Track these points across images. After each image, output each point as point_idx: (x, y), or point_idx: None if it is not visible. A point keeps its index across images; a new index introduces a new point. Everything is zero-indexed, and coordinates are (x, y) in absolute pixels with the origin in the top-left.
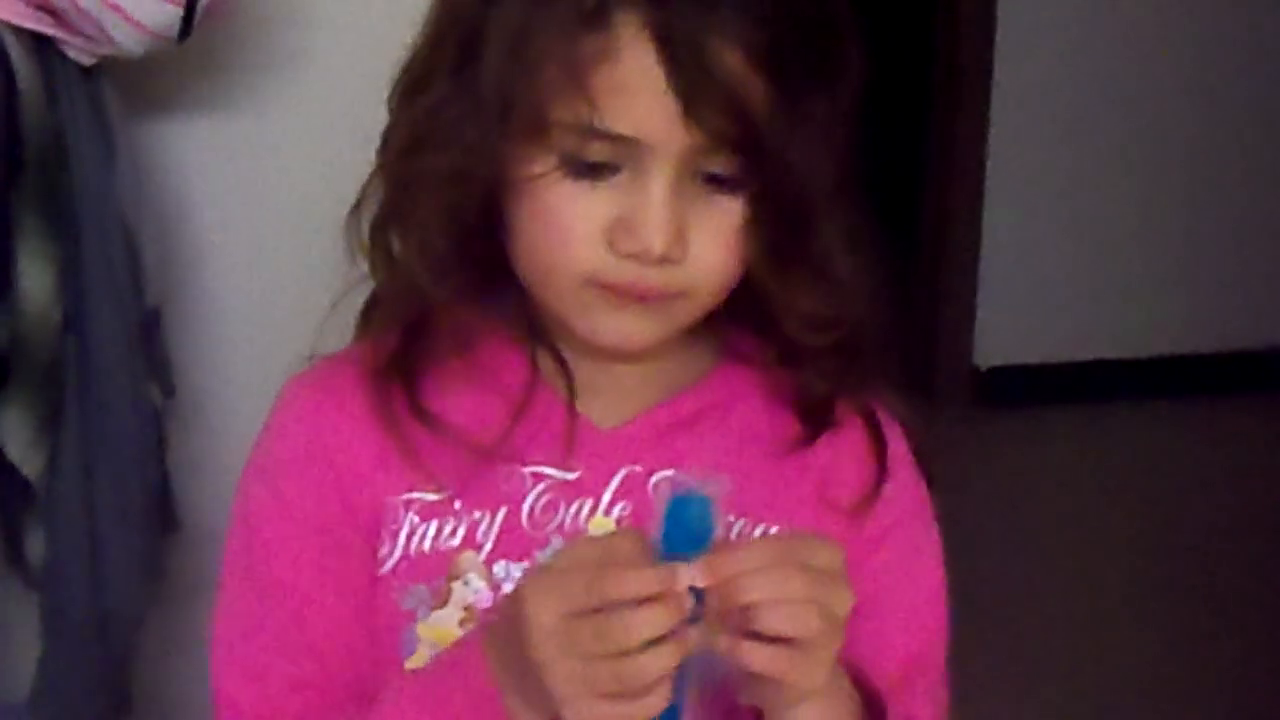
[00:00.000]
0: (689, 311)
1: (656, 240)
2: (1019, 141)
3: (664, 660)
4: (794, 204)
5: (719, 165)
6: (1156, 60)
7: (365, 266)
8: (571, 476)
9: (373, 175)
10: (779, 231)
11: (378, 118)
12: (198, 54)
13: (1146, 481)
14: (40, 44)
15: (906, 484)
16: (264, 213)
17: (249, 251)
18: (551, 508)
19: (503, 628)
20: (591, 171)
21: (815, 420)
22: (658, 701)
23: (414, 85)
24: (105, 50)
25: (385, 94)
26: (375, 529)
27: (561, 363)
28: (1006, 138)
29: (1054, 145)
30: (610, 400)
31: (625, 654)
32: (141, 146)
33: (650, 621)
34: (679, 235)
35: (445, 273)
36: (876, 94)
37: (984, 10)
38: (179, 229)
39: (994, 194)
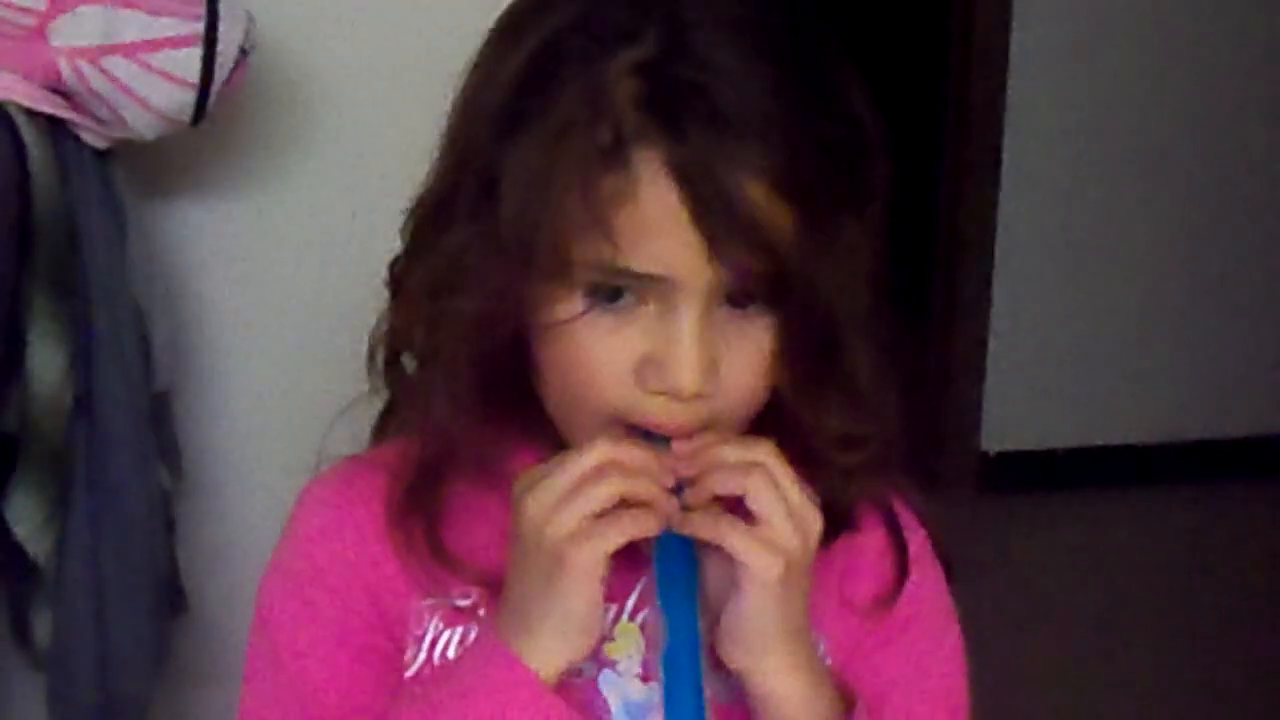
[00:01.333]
0: (723, 428)
1: (687, 379)
2: (1027, 227)
3: (629, 485)
4: (823, 327)
5: (746, 292)
6: (1164, 146)
7: (381, 386)
8: None
9: (389, 308)
10: (809, 354)
11: (388, 198)
12: (210, 137)
13: (1156, 567)
14: (53, 126)
15: (926, 577)
16: (274, 296)
17: (258, 334)
18: None
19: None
20: (615, 305)
21: (836, 522)
22: (640, 519)
23: (431, 222)
24: (118, 134)
25: (396, 172)
26: (402, 631)
27: None
28: (1014, 224)
29: (1062, 232)
30: None
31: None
32: (152, 228)
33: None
34: (710, 370)
35: (472, 411)
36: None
37: (992, 94)
38: (189, 311)
39: (1001, 279)
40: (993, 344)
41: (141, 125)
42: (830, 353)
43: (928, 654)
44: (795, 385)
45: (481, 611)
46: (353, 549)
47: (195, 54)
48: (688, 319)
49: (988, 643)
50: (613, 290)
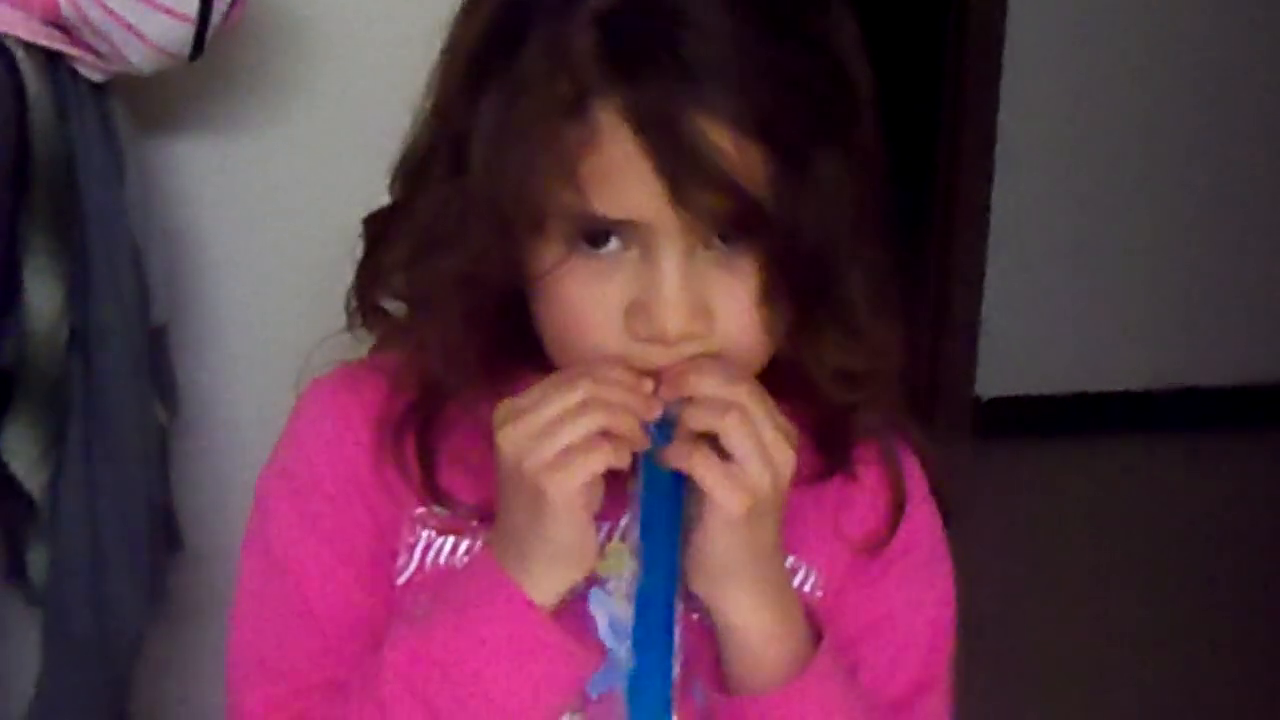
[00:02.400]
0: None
1: (672, 323)
2: (1025, 170)
3: (607, 419)
4: (811, 263)
5: (732, 222)
6: (1165, 90)
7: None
8: None
9: (361, 262)
10: (801, 290)
11: (384, 138)
12: (207, 72)
13: (1148, 515)
14: (52, 61)
15: (922, 517)
16: (270, 231)
17: (255, 270)
18: None
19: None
20: (601, 254)
21: (835, 457)
22: (615, 450)
23: (413, 179)
24: (117, 68)
25: (392, 113)
26: (394, 536)
27: None
28: (1013, 166)
29: (1061, 174)
30: None
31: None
32: (150, 163)
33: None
34: (698, 311)
35: (469, 363)
36: (885, 130)
37: (991, 30)
38: (185, 246)
39: (999, 223)
40: (989, 288)
41: (140, 59)
42: (823, 288)
43: (918, 592)
44: (791, 323)
45: (474, 523)
46: (351, 457)
47: None
48: (668, 263)
49: (978, 586)
50: (594, 237)
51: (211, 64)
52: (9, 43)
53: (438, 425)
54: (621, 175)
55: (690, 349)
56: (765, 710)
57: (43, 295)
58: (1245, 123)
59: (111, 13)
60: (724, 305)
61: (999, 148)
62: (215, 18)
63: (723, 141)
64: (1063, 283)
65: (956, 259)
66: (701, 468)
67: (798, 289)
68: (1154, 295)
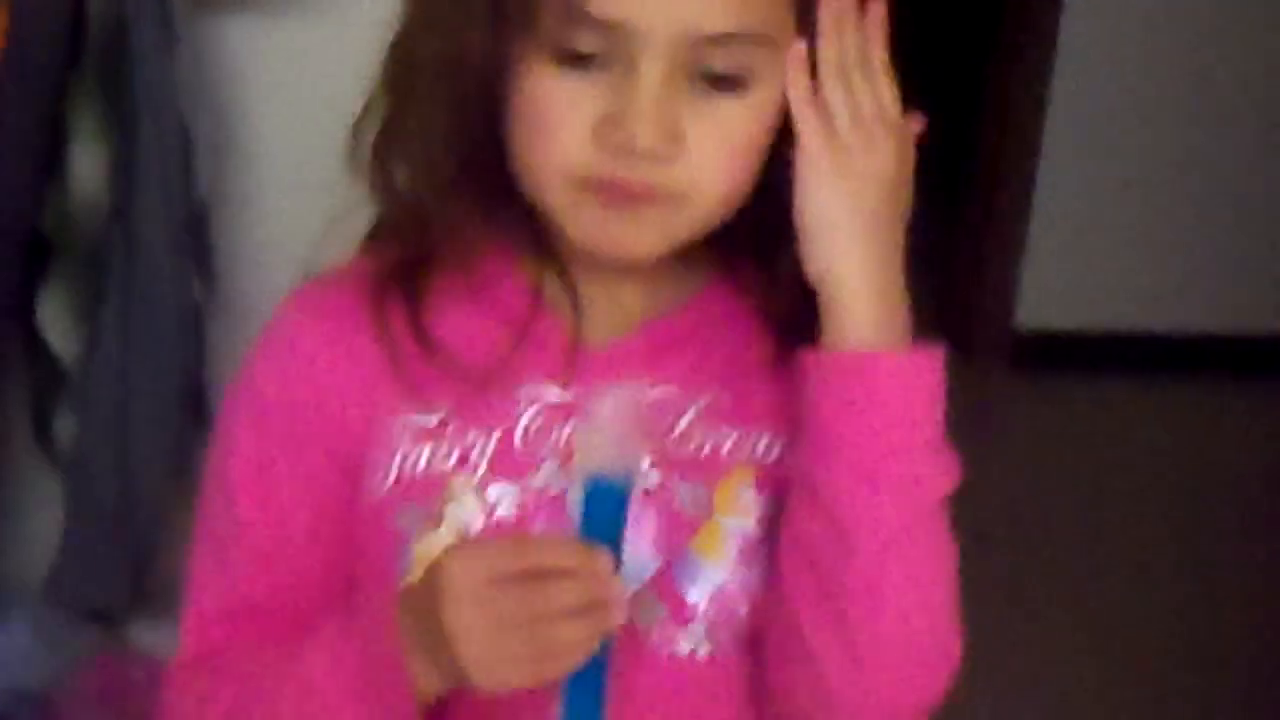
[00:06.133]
0: (689, 222)
1: (642, 131)
2: (1078, 99)
3: (580, 631)
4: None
5: (718, 60)
6: (1215, 29)
7: (366, 187)
8: (566, 398)
9: (374, 89)
10: (781, 143)
11: None
12: None
13: (1188, 459)
14: None
15: None
16: (316, 114)
17: (298, 153)
18: (546, 429)
19: (419, 594)
20: (581, 63)
21: (797, 336)
22: (567, 667)
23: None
24: None
25: None
26: (363, 449)
27: (566, 281)
28: (1066, 95)
29: (1115, 104)
30: (605, 317)
31: (542, 619)
32: (202, 41)
33: (572, 589)
34: (670, 131)
35: (449, 188)
36: (930, 46)
37: None
38: (232, 126)
39: (1049, 153)
40: (1034, 219)
41: None
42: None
43: None
44: (763, 184)
45: (451, 427)
46: (320, 363)
47: None
48: (649, 74)
49: (1012, 520)
50: (580, 57)
51: None
52: None
53: (422, 285)
54: None
55: (655, 174)
56: (873, 365)
57: (87, 164)
58: None
59: None
60: (700, 138)
61: (1054, 72)
62: None
63: None
64: (1112, 216)
65: (1003, 188)
66: (796, 93)
67: (780, 140)
68: (1207, 235)
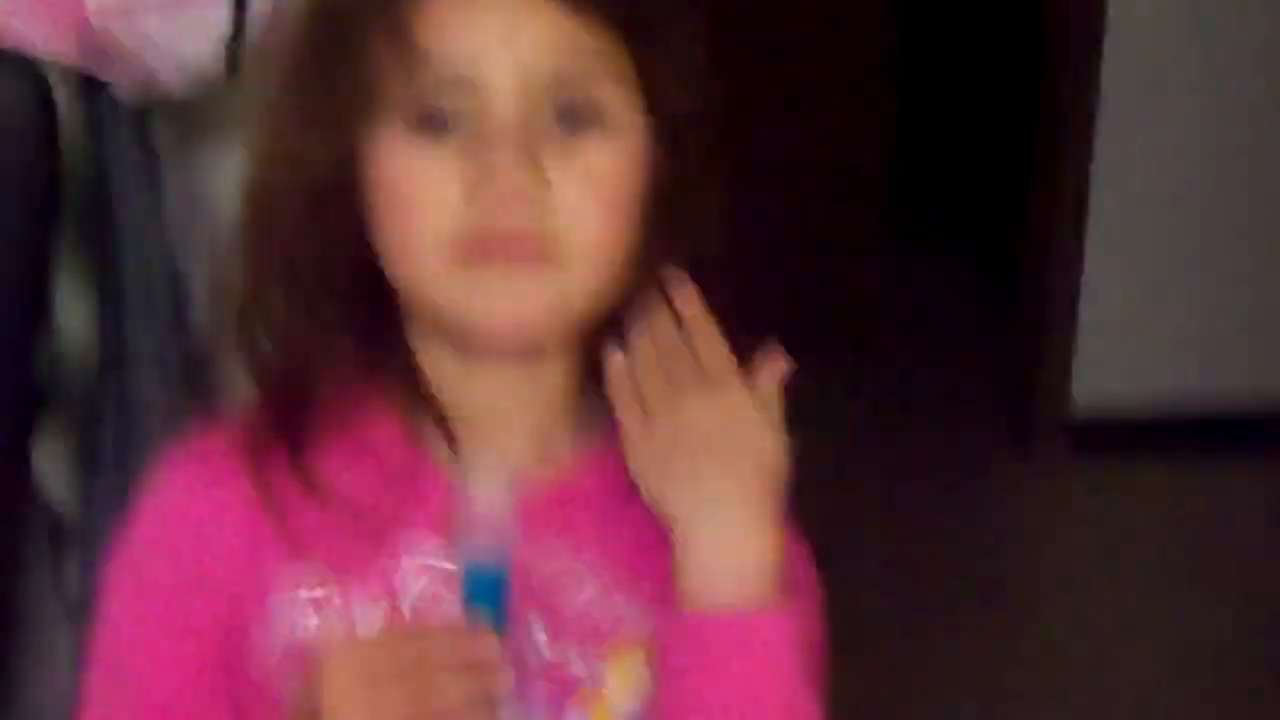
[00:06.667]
0: (570, 286)
1: (503, 175)
2: (1125, 179)
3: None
4: (670, 138)
5: (565, 93)
6: (1277, 98)
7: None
8: (452, 567)
9: (234, 248)
10: (648, 183)
11: None
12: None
13: (1245, 544)
14: (88, 82)
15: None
16: None
17: None
18: (435, 599)
19: (306, 697)
20: (435, 127)
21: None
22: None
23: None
24: (152, 90)
25: None
26: (247, 611)
27: (443, 425)
28: (1111, 175)
29: (1163, 184)
30: (488, 474)
31: (425, 711)
32: (194, 184)
33: (464, 681)
34: (534, 173)
35: (326, 330)
36: (980, 131)
37: (1090, 31)
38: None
39: (1096, 236)
40: (1085, 305)
41: (175, 81)
42: (670, 190)
43: None
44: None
45: (338, 600)
46: (200, 525)
47: (224, 11)
48: (503, 121)
49: (1072, 609)
50: (433, 118)
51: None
52: (43, 65)
53: (301, 428)
54: (456, 21)
55: (525, 216)
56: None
57: (73, 316)
58: None
59: (144, 36)
60: (562, 180)
61: (1098, 153)
62: (250, 37)
63: None
64: (1165, 300)
65: (1052, 271)
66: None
67: (647, 179)
68: (1263, 313)
